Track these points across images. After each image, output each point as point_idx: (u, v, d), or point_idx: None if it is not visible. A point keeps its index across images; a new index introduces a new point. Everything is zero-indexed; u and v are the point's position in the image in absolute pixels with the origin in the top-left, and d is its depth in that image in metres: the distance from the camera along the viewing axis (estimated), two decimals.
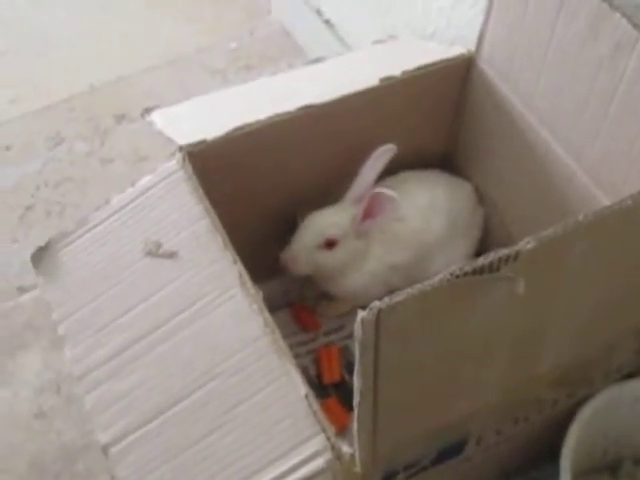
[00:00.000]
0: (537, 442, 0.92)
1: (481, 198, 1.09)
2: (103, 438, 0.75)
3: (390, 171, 1.06)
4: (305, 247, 0.99)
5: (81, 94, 1.43)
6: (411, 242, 1.03)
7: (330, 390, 1.02)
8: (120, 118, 1.39)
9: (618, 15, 0.77)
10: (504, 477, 0.98)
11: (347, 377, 1.04)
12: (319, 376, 1.04)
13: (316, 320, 1.10)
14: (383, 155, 0.97)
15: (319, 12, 1.41)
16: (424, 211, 1.03)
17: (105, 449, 0.74)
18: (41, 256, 0.87)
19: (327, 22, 1.40)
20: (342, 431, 0.94)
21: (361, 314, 0.58)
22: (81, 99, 1.42)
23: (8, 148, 1.34)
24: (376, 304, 0.58)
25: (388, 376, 0.64)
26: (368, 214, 0.96)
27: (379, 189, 0.94)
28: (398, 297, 0.59)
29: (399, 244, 1.02)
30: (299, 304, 1.13)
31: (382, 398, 0.66)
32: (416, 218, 1.03)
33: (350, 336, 1.05)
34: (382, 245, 1.02)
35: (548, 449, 0.86)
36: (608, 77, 0.80)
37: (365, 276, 1.02)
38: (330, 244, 0.98)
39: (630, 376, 0.89)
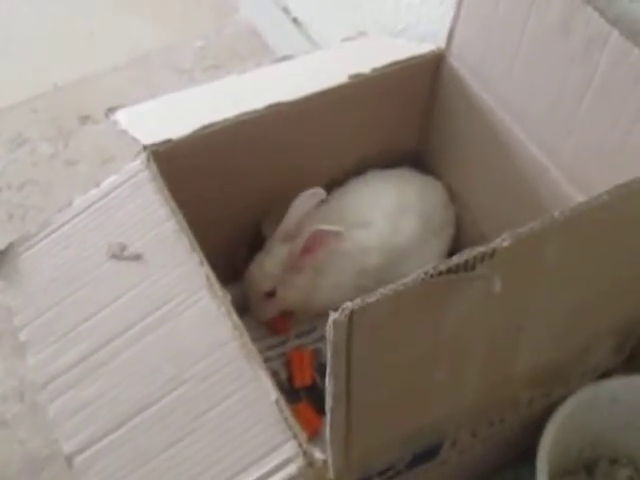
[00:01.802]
0: (513, 443, 0.91)
1: (453, 196, 1.08)
2: (67, 447, 0.74)
3: (359, 171, 1.06)
4: (256, 303, 1.01)
5: (44, 94, 1.41)
6: (380, 247, 1.01)
7: (302, 394, 1.01)
8: (85, 119, 1.37)
9: (590, 9, 0.77)
10: (481, 477, 0.97)
11: (319, 380, 1.02)
12: (290, 380, 1.03)
13: (286, 323, 1.08)
14: (312, 198, 0.96)
15: (286, 10, 1.41)
16: (392, 213, 1.02)
17: (69, 459, 0.73)
18: (2, 260, 0.86)
19: (295, 20, 1.39)
20: (314, 436, 0.93)
21: (333, 315, 0.57)
22: (44, 99, 1.40)
23: None
24: (348, 305, 0.57)
25: (361, 379, 0.63)
26: (307, 250, 0.96)
27: (318, 227, 0.93)
28: (371, 298, 0.58)
29: (365, 251, 1.01)
30: None
31: (355, 402, 0.65)
32: (384, 222, 1.01)
33: (322, 338, 1.04)
34: (343, 255, 1.00)
35: (524, 450, 0.86)
36: (581, 72, 0.80)
37: (330, 290, 1.01)
38: (271, 294, 0.99)
39: (606, 375, 0.88)
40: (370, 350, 0.62)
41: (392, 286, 0.59)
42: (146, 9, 1.57)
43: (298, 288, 1.00)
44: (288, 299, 1.01)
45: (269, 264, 0.98)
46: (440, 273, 0.60)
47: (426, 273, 0.59)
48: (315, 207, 0.98)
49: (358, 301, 0.58)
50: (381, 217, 1.02)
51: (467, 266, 0.60)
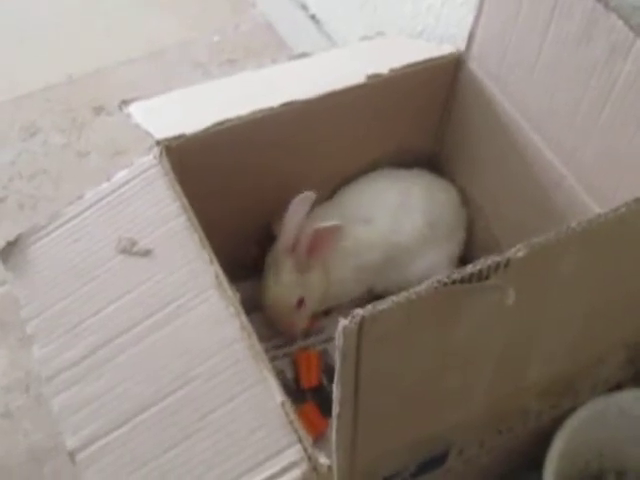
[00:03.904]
0: (520, 453, 0.91)
1: (466, 200, 1.08)
2: (71, 443, 0.73)
3: (373, 168, 1.06)
4: (288, 319, 1.00)
5: (59, 85, 1.41)
6: (378, 243, 1.01)
7: (308, 394, 1.00)
8: (98, 110, 1.37)
9: (614, 16, 0.76)
10: None
11: (325, 382, 1.02)
12: (296, 380, 1.02)
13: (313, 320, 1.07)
14: (302, 205, 0.95)
15: (305, 7, 1.40)
16: (395, 211, 1.02)
17: (72, 454, 0.73)
18: (11, 251, 0.86)
19: (313, 17, 1.39)
20: (319, 437, 0.93)
21: (343, 322, 0.57)
22: (58, 90, 1.40)
23: None
24: (359, 312, 0.57)
25: (369, 386, 0.63)
26: (312, 249, 0.96)
27: (317, 225, 0.93)
28: (382, 305, 0.57)
29: (363, 246, 1.01)
30: None
31: (362, 409, 0.64)
32: (385, 219, 1.02)
33: (330, 340, 1.04)
34: (342, 251, 1.00)
35: (530, 460, 0.85)
36: (602, 81, 0.79)
37: (337, 285, 1.01)
38: (300, 303, 0.99)
39: (616, 388, 0.88)
40: (379, 358, 0.61)
41: (404, 294, 0.58)
42: (163, 3, 1.57)
43: (317, 286, 1.00)
44: (314, 299, 1.00)
45: (286, 277, 0.98)
46: (454, 282, 0.59)
47: (439, 281, 0.59)
48: (321, 204, 1.00)
49: (369, 308, 0.57)
50: (383, 214, 1.02)
51: (481, 276, 0.60)
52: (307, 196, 0.94)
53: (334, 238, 0.96)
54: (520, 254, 0.61)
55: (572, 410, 0.83)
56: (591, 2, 0.77)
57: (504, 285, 0.61)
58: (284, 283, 0.98)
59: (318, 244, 0.95)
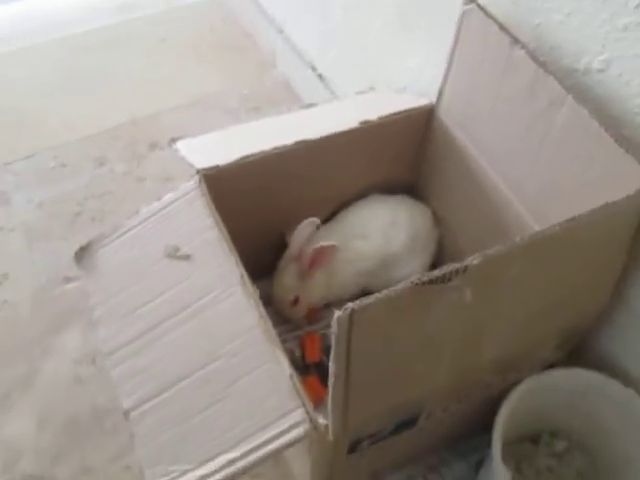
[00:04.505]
0: (475, 417, 0.90)
1: (438, 220, 1.07)
2: (125, 404, 0.74)
3: (364, 195, 1.06)
4: (287, 310, 1.01)
5: (123, 125, 1.41)
6: (374, 254, 1.01)
7: (311, 369, 1.00)
8: (153, 146, 1.37)
9: (551, 78, 0.76)
10: (447, 443, 0.96)
11: (325, 359, 1.01)
12: (303, 357, 1.01)
13: (318, 314, 1.06)
14: (307, 227, 0.95)
15: (314, 68, 1.40)
16: (386, 229, 1.02)
17: (126, 413, 0.73)
18: (83, 254, 0.86)
19: (320, 76, 1.39)
20: (320, 402, 0.92)
21: (337, 313, 0.57)
22: (122, 129, 1.40)
23: (63, 166, 1.32)
24: (350, 305, 0.57)
25: (357, 363, 0.63)
26: (314, 262, 0.96)
27: (320, 244, 0.95)
28: (368, 300, 0.58)
29: (362, 256, 1.01)
30: None
31: (352, 381, 0.64)
32: (378, 235, 1.01)
33: (328, 326, 1.02)
34: (346, 260, 1.00)
35: (483, 422, 0.84)
36: (542, 128, 0.79)
37: (338, 287, 1.02)
38: (295, 301, 0.99)
39: (550, 367, 0.87)
40: (366, 341, 0.61)
41: (385, 291, 0.59)
42: (205, 62, 1.57)
43: (315, 290, 1.00)
44: (310, 300, 1.01)
45: (287, 280, 0.99)
46: (424, 283, 0.60)
47: (413, 282, 0.59)
48: (325, 224, 1.00)
49: (358, 302, 0.58)
50: (377, 231, 1.01)
51: (445, 278, 0.60)
52: (312, 221, 0.95)
53: (331, 254, 0.97)
54: (475, 262, 0.61)
55: (516, 383, 0.83)
56: (534, 66, 0.77)
57: (463, 286, 0.62)
58: (284, 284, 0.99)
59: (318, 258, 0.96)
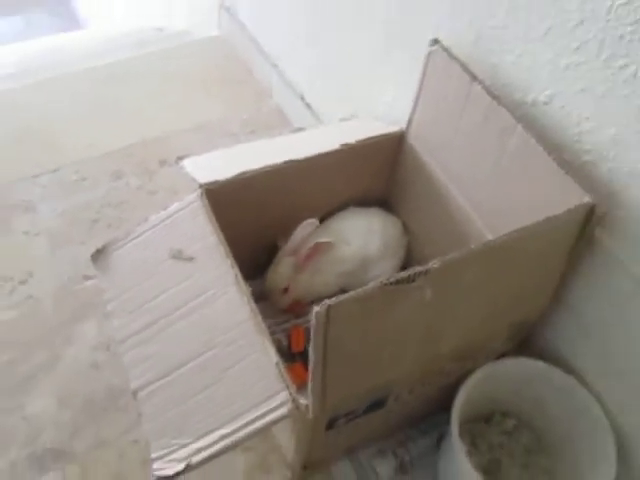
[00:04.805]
0: (436, 399, 0.90)
1: (407, 230, 1.07)
2: (133, 385, 0.74)
3: (345, 207, 1.05)
4: (274, 296, 1.00)
5: (136, 144, 1.40)
6: (353, 257, 1.01)
7: (297, 357, 0.99)
8: (162, 163, 1.36)
9: (504, 109, 0.77)
10: (412, 421, 0.96)
11: (309, 348, 1.01)
12: (289, 346, 1.01)
13: (303, 308, 1.04)
14: (308, 226, 0.95)
15: (302, 98, 1.41)
16: (363, 236, 1.01)
17: (135, 393, 0.73)
18: (98, 255, 0.86)
19: (308, 105, 1.39)
20: (304, 386, 0.92)
21: (316, 308, 0.58)
22: (136, 148, 1.40)
23: (84, 179, 1.32)
24: (327, 301, 0.58)
25: (333, 352, 0.63)
26: (309, 257, 0.96)
27: (319, 240, 0.95)
28: (343, 297, 0.59)
29: (343, 259, 1.00)
30: None
31: (329, 367, 0.64)
32: (357, 240, 1.01)
33: None
34: (332, 261, 1.00)
35: (444, 404, 0.84)
36: (496, 152, 0.79)
37: (322, 285, 1.01)
38: (285, 290, 0.99)
39: (502, 356, 0.87)
40: (341, 333, 0.61)
41: (358, 290, 0.59)
42: (210, 92, 1.57)
43: (302, 284, 0.99)
44: (297, 291, 0.99)
45: (283, 270, 0.98)
46: (391, 283, 0.60)
47: (382, 282, 0.59)
48: (312, 231, 0.98)
49: (334, 299, 0.58)
50: (355, 238, 1.01)
51: (409, 279, 0.61)
52: (311, 222, 0.95)
53: (326, 250, 0.96)
54: (436, 266, 0.61)
55: (472, 371, 0.83)
56: (489, 99, 0.78)
57: (425, 286, 0.62)
58: (279, 274, 0.98)
59: (313, 253, 0.96)
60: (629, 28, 0.63)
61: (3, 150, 1.37)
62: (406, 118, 0.95)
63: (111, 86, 1.56)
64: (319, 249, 0.96)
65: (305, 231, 0.96)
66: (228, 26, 1.69)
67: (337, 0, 1.14)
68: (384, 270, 1.03)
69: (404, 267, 1.07)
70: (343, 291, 0.95)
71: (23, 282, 1.14)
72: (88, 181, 1.31)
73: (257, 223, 0.98)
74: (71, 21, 3.57)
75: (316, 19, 1.24)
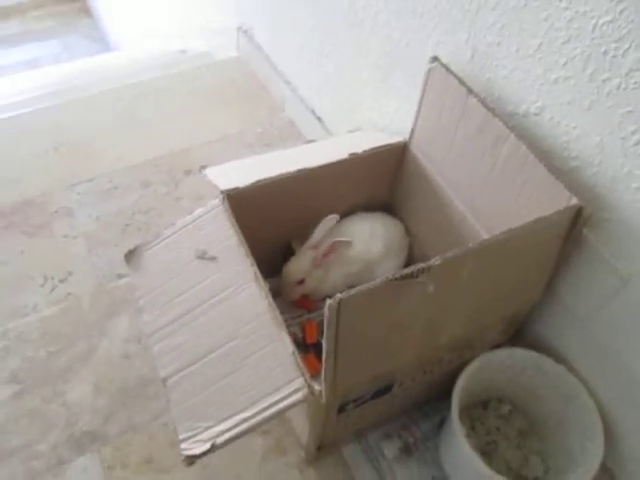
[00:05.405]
0: (438, 386, 0.90)
1: (409, 232, 1.07)
2: (163, 373, 0.74)
3: (351, 211, 1.05)
4: (286, 288, 0.98)
5: (163, 156, 1.41)
6: (358, 259, 1.00)
7: (310, 348, 0.99)
8: (187, 172, 1.37)
9: (497, 119, 0.76)
10: (416, 406, 0.96)
11: (321, 340, 1.00)
12: (303, 338, 1.01)
13: (312, 303, 1.04)
14: (329, 221, 0.94)
15: (313, 112, 1.41)
16: (367, 238, 1.00)
17: (164, 380, 0.74)
18: (131, 256, 0.86)
19: (318, 118, 1.39)
20: (317, 374, 0.92)
21: (328, 301, 0.58)
22: (163, 159, 1.40)
23: (116, 188, 1.32)
24: (338, 295, 0.58)
25: (344, 342, 0.63)
26: (327, 253, 0.95)
27: (338, 239, 0.93)
28: (353, 292, 0.59)
29: (350, 260, 0.99)
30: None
31: (340, 356, 0.65)
32: (361, 243, 0.99)
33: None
34: (340, 263, 0.98)
35: (445, 390, 0.84)
36: (490, 158, 0.79)
37: (330, 284, 1.00)
38: (301, 282, 0.97)
39: (498, 347, 0.87)
40: (351, 324, 0.61)
41: (367, 284, 0.59)
42: (228, 108, 1.57)
43: (316, 279, 0.98)
44: (310, 285, 0.98)
45: (303, 262, 0.96)
46: (396, 279, 0.60)
47: (387, 278, 0.59)
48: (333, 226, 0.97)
49: (345, 293, 0.58)
50: (360, 240, 1.00)
51: (413, 275, 0.60)
52: (333, 217, 0.94)
53: (343, 248, 0.95)
54: (437, 263, 0.61)
55: (470, 360, 0.83)
56: (484, 111, 0.78)
57: (427, 282, 0.62)
58: (298, 265, 0.96)
59: (332, 250, 0.94)
60: (613, 45, 0.63)
61: (44, 162, 1.38)
62: (408, 129, 0.95)
63: (140, 104, 1.57)
64: (337, 247, 0.94)
65: (326, 226, 0.94)
66: (245, 48, 1.70)
67: (344, 23, 1.14)
68: (388, 270, 1.02)
69: (407, 266, 1.07)
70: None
71: (63, 281, 1.15)
72: (120, 189, 1.32)
73: (273, 226, 0.98)
74: (103, 44, 3.60)
75: (325, 40, 1.24)
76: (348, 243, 0.94)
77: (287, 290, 0.99)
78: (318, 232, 0.95)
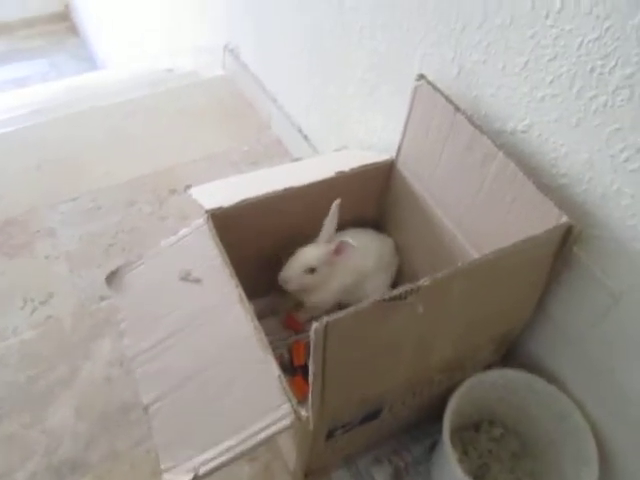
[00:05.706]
0: (428, 408, 0.88)
1: (398, 248, 1.06)
2: (145, 400, 0.72)
3: (342, 227, 1.03)
4: (295, 272, 0.93)
5: (149, 174, 1.39)
6: (354, 270, 0.98)
7: (298, 370, 0.97)
8: (172, 191, 1.35)
9: (485, 137, 0.76)
10: (406, 430, 0.94)
11: (309, 362, 0.99)
12: (291, 360, 0.99)
13: (300, 324, 1.03)
14: (335, 209, 0.92)
15: (300, 130, 1.41)
16: (362, 251, 0.98)
17: (146, 408, 0.71)
18: (113, 277, 0.84)
19: (305, 136, 1.39)
20: (304, 398, 0.90)
21: (315, 324, 0.56)
22: (149, 177, 1.39)
23: (100, 207, 1.30)
24: (325, 318, 0.56)
25: (331, 365, 0.61)
26: (337, 252, 0.92)
27: (345, 239, 0.90)
28: (340, 314, 0.57)
29: (347, 271, 0.97)
30: (288, 314, 1.05)
31: (327, 380, 0.63)
32: (357, 254, 0.97)
33: None
34: (337, 275, 0.96)
35: (435, 413, 0.83)
36: (479, 177, 0.79)
37: (327, 293, 0.97)
38: (312, 270, 0.93)
39: (489, 367, 0.86)
40: (338, 347, 0.60)
41: (354, 307, 0.57)
42: (215, 126, 1.56)
43: (323, 276, 0.94)
44: (317, 279, 0.93)
45: (320, 251, 0.93)
46: (385, 300, 0.58)
47: (375, 300, 0.58)
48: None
49: (332, 315, 0.56)
50: (356, 252, 0.96)
51: (402, 296, 0.59)
52: (337, 203, 0.91)
53: (349, 251, 0.91)
54: (426, 283, 0.60)
55: (461, 381, 0.81)
56: (472, 128, 0.77)
57: (416, 302, 0.60)
58: (317, 249, 0.93)
59: (340, 250, 0.91)
60: (599, 62, 0.63)
61: (27, 179, 1.36)
62: (395, 146, 0.94)
63: (126, 122, 1.56)
64: (344, 248, 0.91)
65: (334, 213, 0.92)
66: (232, 66, 1.70)
67: (330, 42, 1.14)
68: (377, 284, 1.01)
69: (395, 281, 1.06)
70: (339, 304, 0.93)
71: (44, 303, 1.12)
72: (104, 209, 1.30)
73: (258, 246, 0.96)
74: (90, 63, 3.60)
75: (312, 59, 1.24)
76: (352, 247, 0.91)
77: (292, 277, 0.93)
78: (328, 222, 0.93)
